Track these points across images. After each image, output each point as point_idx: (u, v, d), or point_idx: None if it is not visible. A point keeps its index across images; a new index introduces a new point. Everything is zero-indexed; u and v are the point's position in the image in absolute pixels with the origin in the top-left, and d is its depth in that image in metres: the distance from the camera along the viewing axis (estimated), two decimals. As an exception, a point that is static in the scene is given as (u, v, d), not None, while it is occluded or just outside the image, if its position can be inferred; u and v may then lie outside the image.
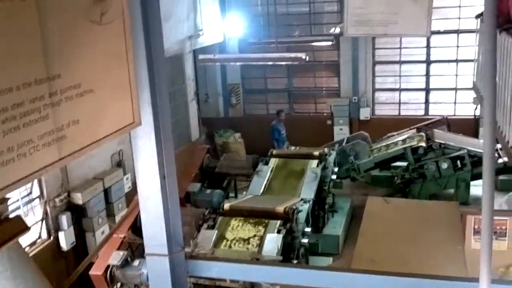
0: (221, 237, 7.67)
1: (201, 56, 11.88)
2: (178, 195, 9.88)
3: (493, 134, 2.24)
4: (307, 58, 10.97)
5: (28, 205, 8.22)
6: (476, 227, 6.16)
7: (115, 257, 7.26)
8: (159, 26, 3.32)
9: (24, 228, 2.43)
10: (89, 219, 9.00)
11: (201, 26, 13.83)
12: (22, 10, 2.20)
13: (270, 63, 12.03)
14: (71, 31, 2.52)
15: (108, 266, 7.23)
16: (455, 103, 15.20)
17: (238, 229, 7.80)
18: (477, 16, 9.16)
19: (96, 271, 7.33)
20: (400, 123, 13.75)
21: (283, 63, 11.92)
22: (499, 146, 8.31)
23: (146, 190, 3.50)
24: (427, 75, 15.14)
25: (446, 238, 5.09)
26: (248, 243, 7.55)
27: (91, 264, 7.68)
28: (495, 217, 6.15)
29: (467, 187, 11.51)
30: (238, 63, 14.95)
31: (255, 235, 7.64)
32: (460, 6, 14.24)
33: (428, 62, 15.02)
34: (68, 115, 2.52)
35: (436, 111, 15.05)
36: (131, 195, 9.21)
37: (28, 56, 2.22)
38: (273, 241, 7.38)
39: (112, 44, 2.86)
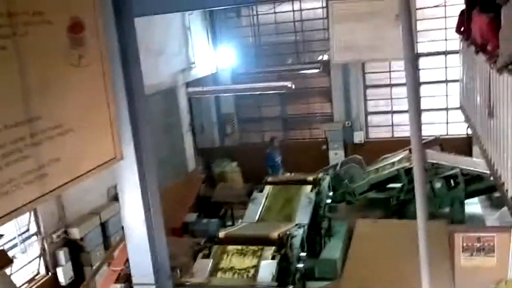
0: (217, 266, 7.75)
1: (190, 89, 12.15)
2: (175, 225, 9.95)
3: (420, 143, 2.42)
4: (293, 86, 11.20)
5: (25, 241, 8.32)
6: (464, 244, 6.26)
7: (113, 290, 7.34)
8: (138, 67, 3.52)
9: (8, 261, 2.56)
10: (86, 253, 9.10)
11: (193, 59, 14.12)
12: (2, 58, 2.38)
13: (258, 92, 12.27)
14: (50, 75, 2.71)
15: (106, 299, 7.32)
16: (447, 123, 15.39)
17: (234, 257, 7.89)
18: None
19: (94, 305, 7.41)
20: (394, 145, 13.85)
21: (271, 92, 12.17)
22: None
23: (131, 222, 3.65)
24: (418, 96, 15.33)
25: (434, 257, 5.19)
26: (244, 270, 7.62)
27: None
28: (482, 234, 6.26)
29: (462, 205, 11.57)
30: (232, 94, 15.20)
31: (250, 262, 7.72)
32: (446, 28, 14.53)
33: (418, 83, 15.22)
34: (49, 154, 2.69)
35: (428, 131, 15.17)
36: (128, 228, 9.30)
37: (8, 101, 2.40)
38: (268, 268, 7.45)
39: (91, 85, 3.06)
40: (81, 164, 2.95)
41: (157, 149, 12.28)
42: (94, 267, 9.03)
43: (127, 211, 3.58)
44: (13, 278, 7.99)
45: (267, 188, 10.72)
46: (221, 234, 8.50)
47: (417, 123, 2.47)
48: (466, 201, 11.73)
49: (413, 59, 2.40)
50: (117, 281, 7.59)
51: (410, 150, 12.90)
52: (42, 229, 8.52)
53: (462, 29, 9.18)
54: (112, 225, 9.76)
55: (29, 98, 2.54)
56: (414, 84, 2.43)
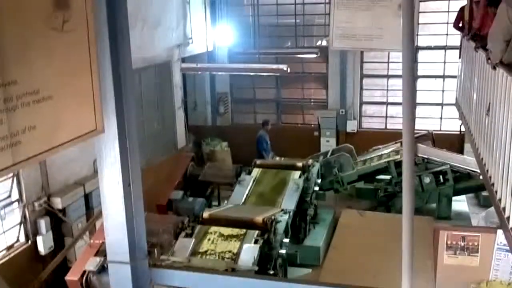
0: (198, 246, 7.66)
1: (183, 65, 11.96)
2: (160, 202, 9.80)
3: (412, 140, 2.32)
4: (289, 70, 11.05)
5: (6, 208, 8.20)
6: (449, 242, 6.21)
7: (92, 263, 7.23)
8: (127, 35, 3.36)
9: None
10: (68, 224, 8.99)
11: (191, 35, 13.90)
12: (-24, 16, 2.24)
13: (252, 73, 12.12)
14: (30, 38, 2.56)
15: (85, 271, 7.22)
16: (441, 118, 15.34)
17: (216, 238, 7.81)
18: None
19: (72, 277, 7.30)
20: (386, 136, 13.82)
21: (265, 74, 12.02)
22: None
23: (110, 197, 3.54)
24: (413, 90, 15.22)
25: (417, 253, 5.14)
26: (225, 253, 7.55)
27: (69, 269, 7.67)
28: (467, 233, 6.21)
29: (449, 202, 11.57)
30: (226, 73, 15.04)
31: (232, 245, 7.65)
32: (448, 23, 14.36)
33: (414, 77, 15.10)
34: (24, 121, 2.56)
35: (422, 125, 15.11)
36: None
37: (-19, 62, 2.26)
38: (249, 251, 7.38)
39: (74, 52, 2.90)
40: (58, 134, 2.81)
41: (148, 124, 12.14)
42: (79, 240, 8.94)
43: (106, 186, 3.47)
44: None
45: (256, 171, 10.63)
46: (205, 214, 8.42)
47: (410, 117, 2.36)
48: (454, 198, 11.73)
49: (411, 52, 2.29)
50: (96, 254, 7.49)
51: (401, 143, 12.84)
52: (24, 197, 8.39)
53: (460, 24, 9.10)
54: (96, 197, 9.62)
55: (5, 61, 2.39)
56: (411, 77, 2.32)
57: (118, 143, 3.33)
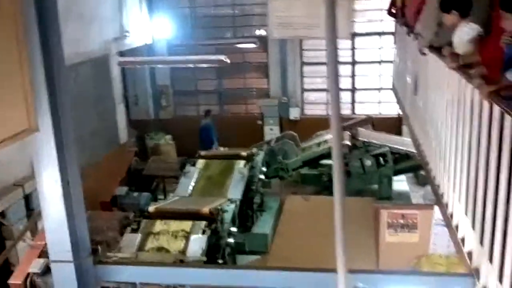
0: (145, 241, 7.62)
1: (121, 59, 11.76)
2: (105, 199, 9.64)
3: (339, 123, 2.41)
4: (228, 61, 11.08)
5: None
6: (389, 220, 6.47)
7: (36, 265, 7.02)
8: (58, 31, 3.29)
9: None
10: (8, 227, 8.71)
11: (127, 28, 13.66)
12: None
13: (191, 65, 12.07)
14: (-47, 37, 2.47)
15: (28, 274, 7.04)
16: (379, 102, 15.76)
17: (163, 231, 7.78)
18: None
19: (15, 280, 7.10)
20: (328, 122, 13.95)
21: (206, 65, 12.00)
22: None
23: (49, 197, 3.47)
24: (353, 75, 15.61)
25: (359, 233, 5.33)
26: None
27: (11, 273, 7.45)
28: (406, 211, 6.46)
29: (390, 182, 11.96)
30: (166, 66, 14.87)
31: (179, 237, 7.65)
32: (382, 9, 14.73)
33: (353, 63, 15.49)
34: (-48, 123, 2.48)
35: (362, 110, 15.54)
36: (54, 201, 8.96)
37: None
38: (197, 242, 7.41)
39: (2, 51, 2.83)
40: (-11, 135, 2.73)
41: (87, 120, 11.87)
42: (21, 243, 8.67)
43: (44, 186, 3.40)
44: None
45: (200, 162, 10.60)
46: (151, 208, 8.36)
47: (336, 102, 2.44)
48: (394, 178, 12.13)
49: (334, 38, 2.37)
50: (40, 255, 7.31)
51: (343, 127, 13.17)
52: (-41, 202, 8.06)
53: (393, 11, 9.40)
54: (37, 198, 9.29)
55: None
56: (335, 63, 2.40)
57: (54, 141, 3.27)
